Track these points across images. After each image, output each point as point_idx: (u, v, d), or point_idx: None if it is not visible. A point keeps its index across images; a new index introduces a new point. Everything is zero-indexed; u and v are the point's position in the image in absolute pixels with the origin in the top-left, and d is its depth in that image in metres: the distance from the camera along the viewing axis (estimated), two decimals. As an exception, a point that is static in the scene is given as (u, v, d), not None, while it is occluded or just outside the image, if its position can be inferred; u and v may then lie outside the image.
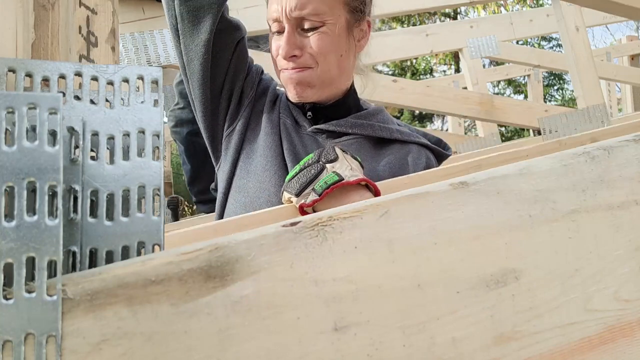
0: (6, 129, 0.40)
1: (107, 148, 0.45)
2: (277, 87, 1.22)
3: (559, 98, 12.37)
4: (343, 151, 0.90)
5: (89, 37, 0.65)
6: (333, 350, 0.46)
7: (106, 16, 0.67)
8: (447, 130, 7.88)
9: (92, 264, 0.44)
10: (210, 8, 1.07)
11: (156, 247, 0.45)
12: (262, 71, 1.21)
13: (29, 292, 0.39)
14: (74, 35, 0.65)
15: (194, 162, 2.89)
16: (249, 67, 1.17)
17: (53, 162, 0.40)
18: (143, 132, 0.46)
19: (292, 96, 1.11)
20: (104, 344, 0.40)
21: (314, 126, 1.12)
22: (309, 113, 1.13)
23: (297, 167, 0.88)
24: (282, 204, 0.93)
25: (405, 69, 11.62)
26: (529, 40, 9.83)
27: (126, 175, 0.45)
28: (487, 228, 0.53)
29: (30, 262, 0.40)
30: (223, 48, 1.11)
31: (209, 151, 1.20)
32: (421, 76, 11.46)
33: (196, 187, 2.86)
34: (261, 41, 2.65)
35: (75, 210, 0.44)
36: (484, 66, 5.18)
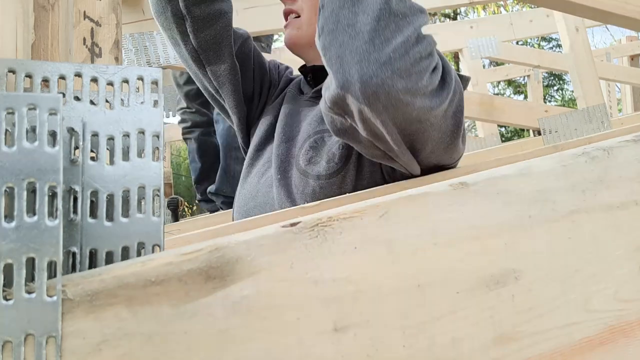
0: (6, 130, 0.40)
1: (107, 149, 0.45)
2: (292, 74, 1.28)
3: (559, 98, 12.36)
4: None
5: (93, 49, 0.66)
6: (333, 351, 0.46)
7: (110, 28, 0.68)
8: (447, 130, 7.85)
9: (92, 264, 0.44)
10: (224, 31, 1.10)
11: (156, 247, 0.45)
12: (278, 65, 1.27)
13: (29, 292, 0.39)
14: (78, 46, 0.66)
15: (205, 160, 2.90)
16: (268, 65, 1.23)
17: (53, 163, 0.40)
18: (143, 133, 0.46)
19: (285, 40, 1.16)
20: (103, 345, 0.40)
21: (314, 89, 1.14)
22: (310, 75, 1.16)
23: None
24: (266, 200, 0.99)
25: (405, 70, 11.57)
26: (528, 40, 9.83)
27: (126, 175, 0.45)
28: (487, 228, 0.53)
29: (30, 263, 0.40)
30: (245, 59, 1.16)
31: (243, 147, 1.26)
32: (421, 76, 11.41)
33: (203, 186, 2.87)
34: (264, 42, 2.66)
35: (75, 211, 0.44)
36: (483, 66, 5.18)
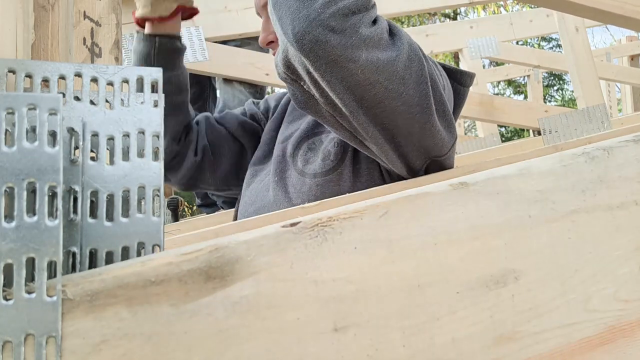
0: (6, 130, 0.40)
1: (107, 149, 0.45)
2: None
3: (559, 98, 12.36)
4: None
5: (93, 49, 0.66)
6: (333, 351, 0.46)
7: (110, 28, 0.68)
8: (447, 130, 7.83)
9: (92, 264, 0.44)
10: (192, 169, 1.21)
11: (156, 247, 0.45)
12: (259, 101, 1.33)
13: (29, 292, 0.39)
14: (78, 46, 0.66)
15: None
16: (247, 114, 1.29)
17: (53, 163, 0.40)
18: (143, 133, 0.46)
19: None
20: (103, 345, 0.40)
21: None
22: None
23: None
24: (263, 204, 1.03)
25: (405, 70, 11.55)
26: (528, 40, 9.82)
27: (126, 175, 0.45)
28: (487, 228, 0.53)
29: (30, 263, 0.40)
30: (221, 139, 1.24)
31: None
32: (421, 77, 11.39)
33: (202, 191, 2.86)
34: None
35: (75, 211, 0.44)
36: (483, 67, 5.18)
